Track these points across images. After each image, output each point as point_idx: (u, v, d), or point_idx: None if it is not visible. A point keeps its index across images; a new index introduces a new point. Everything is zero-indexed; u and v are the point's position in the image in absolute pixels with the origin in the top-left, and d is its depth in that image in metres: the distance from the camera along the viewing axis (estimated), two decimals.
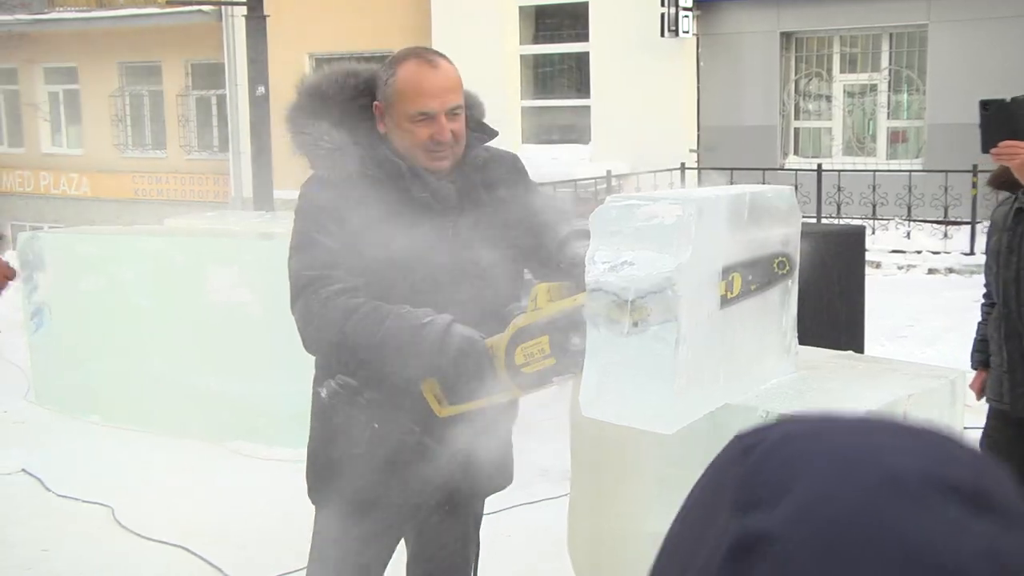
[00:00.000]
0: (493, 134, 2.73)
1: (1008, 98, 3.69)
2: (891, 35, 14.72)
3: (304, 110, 2.59)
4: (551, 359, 2.27)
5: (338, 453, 2.68)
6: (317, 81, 2.64)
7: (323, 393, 2.58)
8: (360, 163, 2.54)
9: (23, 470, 5.86)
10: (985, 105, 3.71)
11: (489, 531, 4.64)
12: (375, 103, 2.58)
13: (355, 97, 2.62)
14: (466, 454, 2.63)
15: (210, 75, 20.90)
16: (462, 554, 2.93)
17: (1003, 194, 4.07)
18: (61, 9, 21.66)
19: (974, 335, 4.30)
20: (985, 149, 3.69)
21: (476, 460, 2.68)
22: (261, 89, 11.49)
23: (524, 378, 2.34)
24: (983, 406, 5.79)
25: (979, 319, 4.25)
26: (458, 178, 2.61)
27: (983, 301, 4.18)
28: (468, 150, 2.62)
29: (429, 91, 2.49)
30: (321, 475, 2.75)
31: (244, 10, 11.85)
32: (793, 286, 2.75)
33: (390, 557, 2.84)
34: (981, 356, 4.13)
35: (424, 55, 2.55)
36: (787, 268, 2.36)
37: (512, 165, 2.77)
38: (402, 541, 2.92)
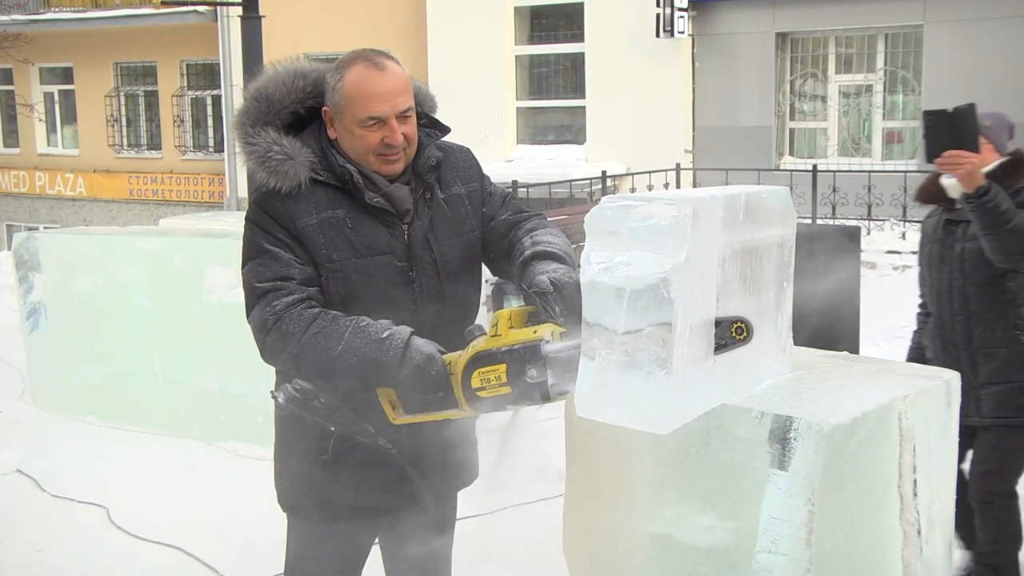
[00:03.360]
0: (446, 130, 2.70)
1: (951, 108, 3.72)
2: (887, 35, 14.73)
3: (251, 115, 2.55)
4: (507, 387, 2.26)
5: (300, 459, 2.68)
6: (263, 84, 2.59)
7: (280, 399, 2.54)
8: (311, 170, 2.51)
9: (18, 470, 5.86)
10: (928, 115, 3.75)
11: (484, 531, 4.66)
12: (324, 108, 2.55)
13: (303, 99, 2.59)
14: (426, 453, 2.64)
15: (206, 75, 20.88)
16: (438, 553, 2.91)
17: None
18: (57, 9, 21.61)
19: (909, 343, 4.35)
20: (929, 159, 3.76)
21: (437, 459, 2.68)
22: None
23: (479, 402, 2.33)
24: None
25: (915, 327, 4.29)
26: (412, 179, 2.60)
27: (919, 310, 4.24)
28: (421, 149, 2.60)
29: (378, 95, 2.46)
30: (285, 482, 2.75)
31: (240, 10, 11.84)
32: (788, 286, 2.76)
33: (363, 561, 2.83)
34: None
35: (371, 58, 2.50)
36: (744, 335, 2.35)
37: (466, 160, 2.75)
38: (378, 546, 2.92)
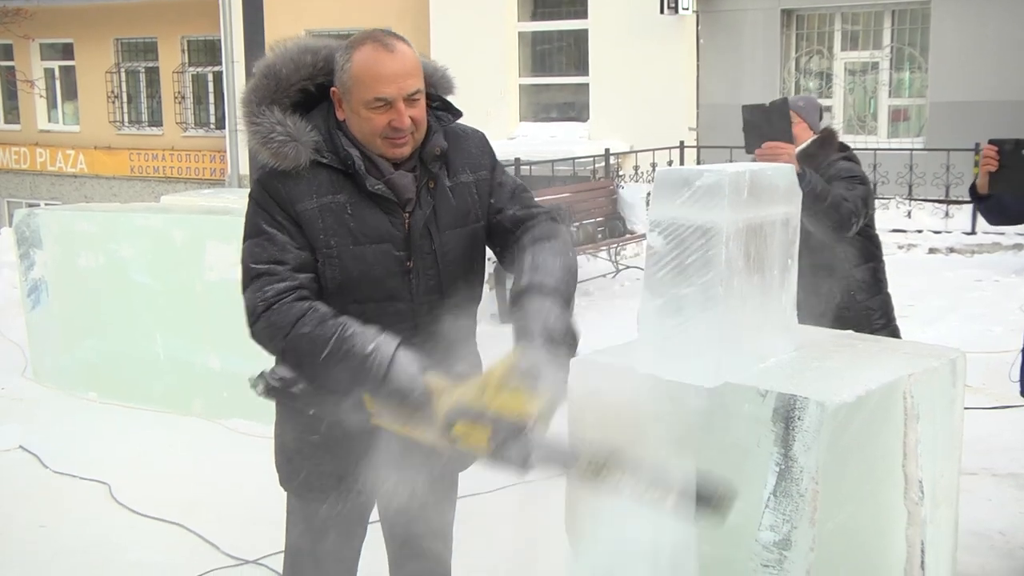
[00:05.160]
0: (458, 114, 2.65)
1: (767, 103, 4.05)
2: (893, 12, 14.67)
3: (259, 92, 2.52)
4: (486, 450, 2.23)
5: (294, 438, 2.69)
6: (272, 61, 2.55)
7: (259, 389, 2.53)
8: (315, 152, 2.48)
9: (21, 447, 5.87)
10: (746, 110, 4.05)
11: (485, 512, 4.66)
12: (332, 89, 2.52)
13: (312, 76, 2.55)
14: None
15: (207, 52, 20.82)
16: (438, 532, 2.91)
17: None
18: None
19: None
20: (749, 150, 4.03)
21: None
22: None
23: (453, 447, 2.31)
24: (983, 386, 5.82)
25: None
26: (417, 166, 2.56)
27: None
28: (429, 134, 2.55)
29: (386, 77, 2.42)
30: (282, 461, 2.76)
31: None
32: (793, 264, 2.76)
33: (361, 539, 2.85)
34: None
35: (381, 39, 2.45)
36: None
37: (479, 146, 2.70)
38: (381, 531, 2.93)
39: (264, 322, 2.45)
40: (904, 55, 14.80)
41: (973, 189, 3.97)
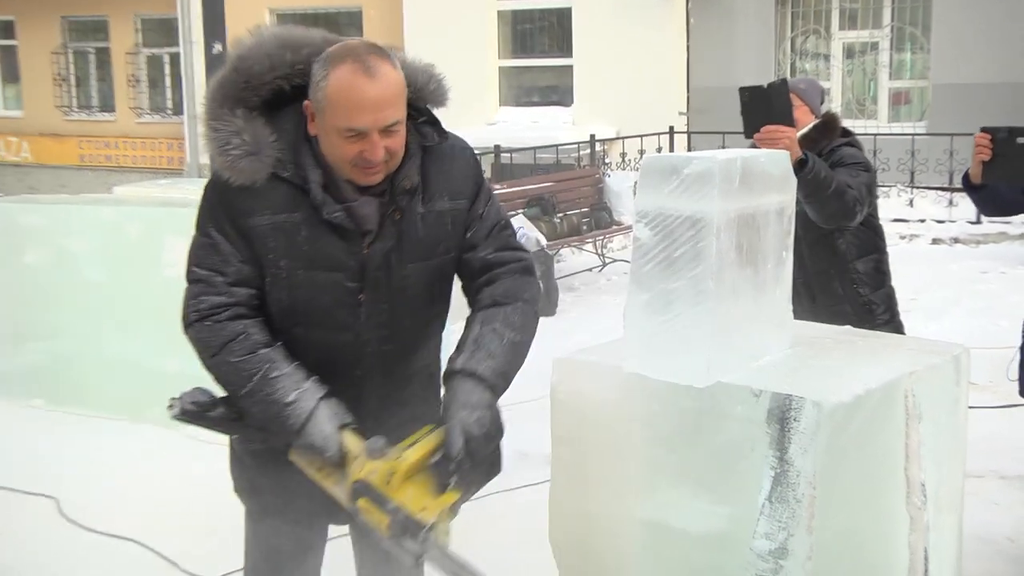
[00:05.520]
0: (444, 135, 2.58)
1: (766, 84, 4.10)
2: None
3: (224, 88, 2.45)
4: (385, 533, 2.30)
5: (241, 445, 2.74)
6: (245, 52, 2.47)
7: (174, 411, 2.53)
8: (276, 165, 2.42)
9: None
10: (745, 92, 4.10)
11: (464, 521, 4.65)
12: (305, 102, 2.43)
13: (288, 77, 2.45)
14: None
15: (162, 31, 20.71)
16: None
17: None
18: None
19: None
20: (748, 135, 4.08)
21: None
22: (218, 47, 11.38)
23: (358, 516, 2.36)
24: (988, 384, 5.87)
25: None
26: (387, 191, 2.48)
27: None
28: (407, 159, 2.48)
29: (363, 106, 2.32)
30: (234, 470, 2.82)
31: None
32: (788, 257, 2.77)
33: (321, 551, 2.88)
34: None
35: (363, 58, 2.34)
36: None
37: (464, 170, 2.60)
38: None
39: (193, 333, 2.50)
40: (905, 34, 14.88)
41: (966, 179, 4.02)
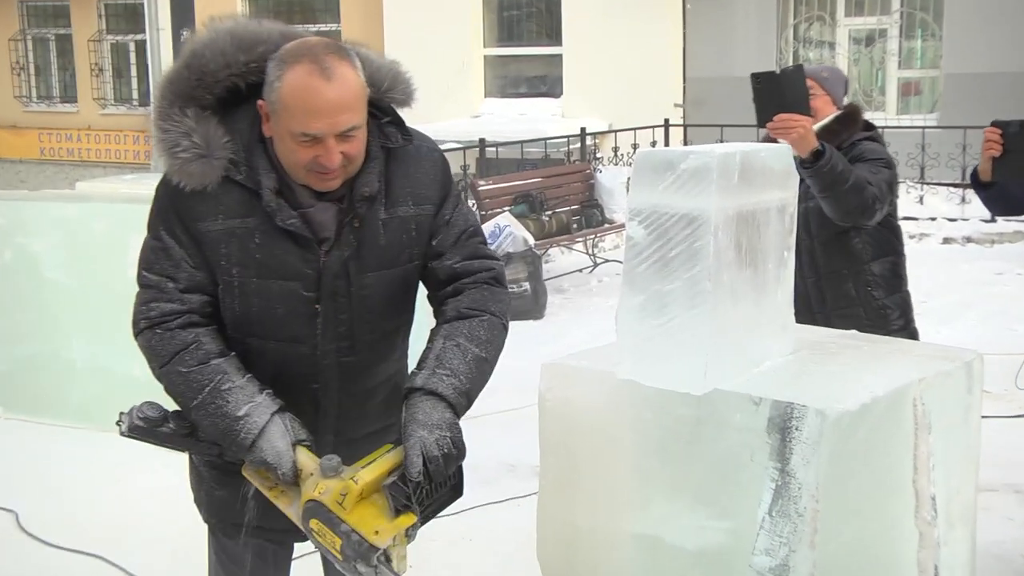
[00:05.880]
0: (408, 136, 2.56)
1: (778, 70, 4.10)
2: None
3: (176, 85, 2.45)
4: (338, 557, 2.30)
5: (199, 459, 2.76)
6: (199, 48, 2.46)
7: (123, 427, 2.54)
8: (228, 167, 2.42)
9: None
10: (756, 78, 4.06)
11: (450, 534, 4.66)
12: (260, 101, 2.42)
13: (244, 75, 2.45)
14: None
15: (127, 17, 20.67)
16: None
17: None
18: None
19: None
20: (760, 123, 4.04)
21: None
22: (186, 34, 11.39)
23: (311, 537, 2.37)
24: (1003, 392, 5.90)
25: None
26: (346, 196, 2.48)
27: None
28: (368, 163, 2.47)
29: (318, 111, 2.31)
30: (193, 485, 2.85)
31: None
32: (789, 256, 2.78)
33: (285, 571, 2.90)
34: None
35: (320, 59, 2.33)
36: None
37: (430, 174, 2.59)
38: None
39: (143, 341, 2.50)
40: (916, 21, 14.91)
41: (975, 175, 4.03)
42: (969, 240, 11.99)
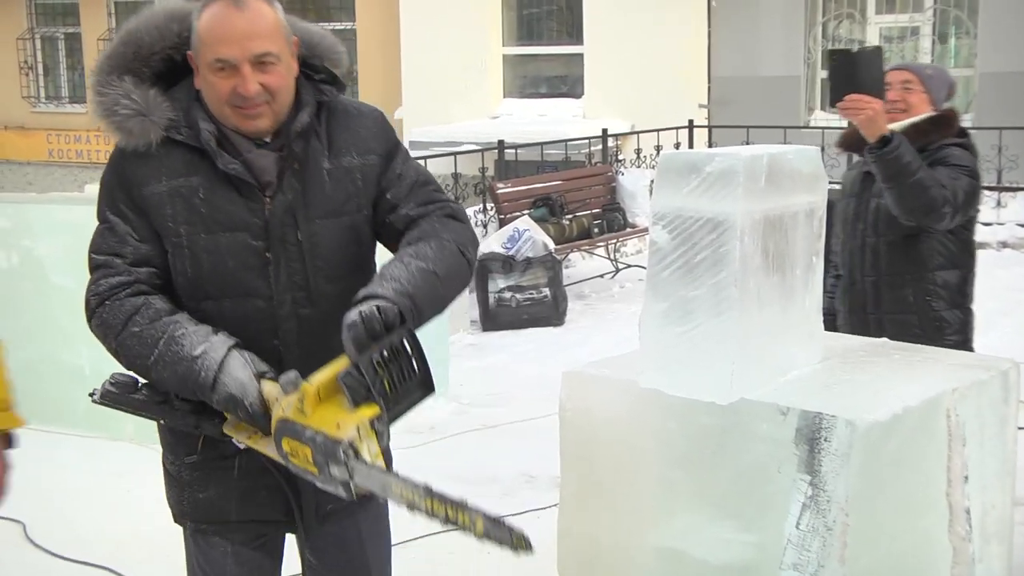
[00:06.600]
0: (342, 88, 2.69)
1: (855, 48, 4.05)
2: None
3: (113, 59, 2.58)
4: (314, 469, 2.31)
5: (173, 460, 2.78)
6: (135, 27, 2.60)
7: (96, 395, 2.61)
8: (169, 128, 2.53)
9: None
10: (833, 55, 4.05)
11: (468, 546, 4.65)
12: (188, 53, 2.56)
13: (178, 46, 2.59)
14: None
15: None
16: (364, 571, 2.93)
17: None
18: None
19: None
20: (832, 102, 4.03)
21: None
22: None
23: (290, 463, 2.38)
24: None
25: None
26: (285, 145, 2.57)
27: (830, 272, 4.42)
28: (300, 108, 2.58)
29: (229, 36, 2.46)
30: (169, 488, 2.87)
31: None
32: (818, 262, 2.77)
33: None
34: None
35: None
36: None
37: (371, 128, 2.71)
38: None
39: (97, 319, 2.58)
40: (949, 18, 14.87)
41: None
42: (1005, 245, 11.94)
